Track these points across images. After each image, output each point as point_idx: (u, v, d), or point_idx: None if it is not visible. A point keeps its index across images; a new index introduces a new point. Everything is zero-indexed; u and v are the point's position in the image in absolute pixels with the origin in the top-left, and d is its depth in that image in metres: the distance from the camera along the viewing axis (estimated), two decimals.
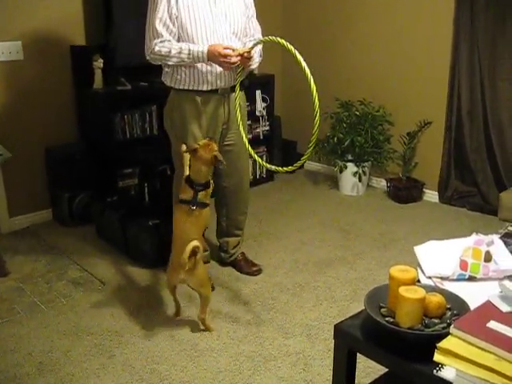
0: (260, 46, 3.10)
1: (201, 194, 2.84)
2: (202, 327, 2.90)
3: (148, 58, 2.98)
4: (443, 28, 4.34)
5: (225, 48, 2.82)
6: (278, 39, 2.65)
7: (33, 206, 4.24)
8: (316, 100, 2.51)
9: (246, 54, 2.87)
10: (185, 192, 2.85)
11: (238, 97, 3.07)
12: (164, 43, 2.89)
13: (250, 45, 2.94)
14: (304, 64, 2.53)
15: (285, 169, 2.77)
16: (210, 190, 2.95)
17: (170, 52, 2.88)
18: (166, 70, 3.05)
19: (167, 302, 3.16)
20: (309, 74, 2.51)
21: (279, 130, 5.47)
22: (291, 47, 2.58)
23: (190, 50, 2.87)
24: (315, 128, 2.55)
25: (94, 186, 4.22)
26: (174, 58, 2.90)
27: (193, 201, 2.82)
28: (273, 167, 2.84)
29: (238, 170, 3.31)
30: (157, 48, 2.89)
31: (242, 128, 2.94)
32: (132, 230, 3.66)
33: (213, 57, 2.85)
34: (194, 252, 2.67)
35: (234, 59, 2.83)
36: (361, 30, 4.91)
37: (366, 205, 4.67)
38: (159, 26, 2.88)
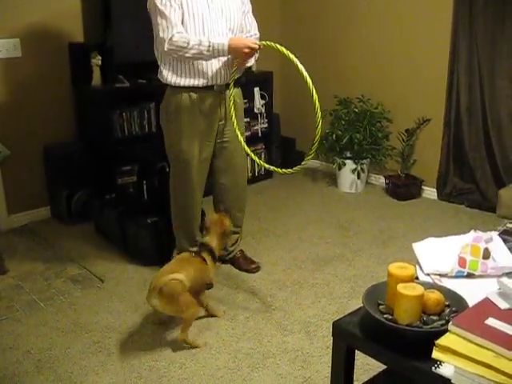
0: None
1: (205, 254, 2.92)
2: (187, 346, 2.75)
3: (166, 48, 2.87)
4: (442, 25, 4.33)
5: (250, 41, 2.85)
6: (278, 46, 2.68)
7: (31, 204, 4.24)
8: (318, 111, 2.55)
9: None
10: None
11: (232, 94, 3.05)
12: (181, 34, 2.85)
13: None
14: (306, 74, 2.55)
15: (283, 170, 2.79)
16: (215, 262, 2.99)
17: (188, 43, 2.83)
18: (163, 67, 3.04)
19: None
20: (311, 85, 2.53)
21: (278, 128, 5.46)
22: (292, 56, 2.62)
23: (210, 41, 2.83)
24: (316, 138, 2.60)
25: (93, 183, 4.22)
26: (193, 50, 2.84)
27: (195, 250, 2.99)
28: (271, 167, 2.86)
29: (235, 167, 3.31)
30: (175, 38, 2.83)
31: (236, 126, 2.93)
32: (131, 227, 3.66)
33: (234, 51, 2.84)
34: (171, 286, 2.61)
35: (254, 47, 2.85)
36: (360, 28, 4.90)
37: (364, 202, 4.67)
38: (173, 18, 2.84)
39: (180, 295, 2.61)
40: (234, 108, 3.19)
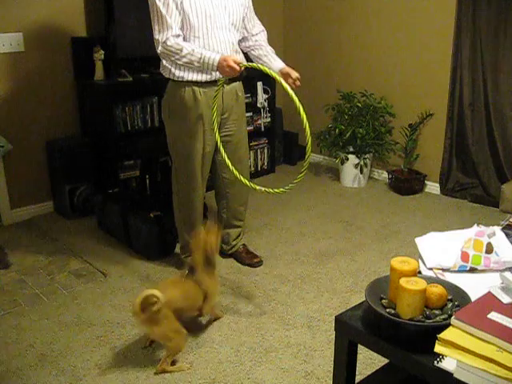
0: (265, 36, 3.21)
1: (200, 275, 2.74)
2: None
3: (159, 50, 2.91)
4: (445, 20, 4.32)
5: (234, 61, 2.79)
6: (260, 66, 2.70)
7: (34, 198, 4.24)
8: (309, 142, 2.58)
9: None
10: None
11: (220, 93, 2.98)
12: (177, 39, 2.86)
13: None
14: (296, 99, 2.57)
15: (275, 190, 2.77)
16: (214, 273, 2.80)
17: (181, 50, 2.84)
18: (165, 61, 3.04)
19: None
20: (304, 117, 2.55)
21: (280, 122, 5.47)
22: (286, 85, 2.62)
23: (202, 54, 2.84)
24: (306, 160, 2.66)
25: (95, 178, 4.23)
26: (184, 58, 2.86)
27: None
28: (257, 187, 2.78)
29: (238, 161, 3.30)
30: (169, 42, 2.85)
31: (218, 136, 2.92)
32: (133, 221, 3.66)
33: (222, 67, 2.82)
34: (150, 302, 2.40)
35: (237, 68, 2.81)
36: (363, 22, 4.89)
37: (367, 197, 4.67)
38: (169, 19, 2.84)
39: (157, 314, 2.41)
40: (236, 101, 3.20)
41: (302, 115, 2.53)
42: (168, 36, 2.85)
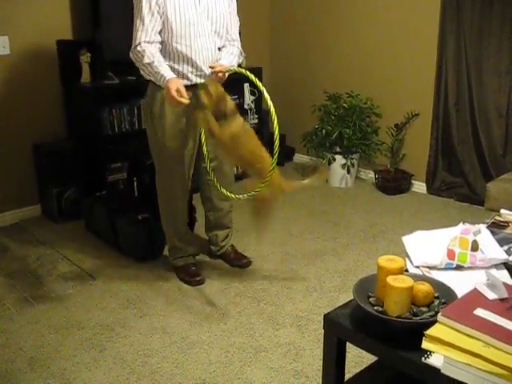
0: (239, 46, 3.21)
1: None
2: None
3: (130, 54, 2.95)
4: (430, 20, 4.36)
5: (177, 90, 2.77)
6: (245, 72, 2.79)
7: (21, 202, 4.22)
8: (277, 143, 2.67)
9: (220, 75, 2.94)
10: None
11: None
12: (146, 46, 2.87)
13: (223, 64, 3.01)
14: (269, 101, 2.68)
15: (237, 196, 2.96)
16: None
17: (143, 58, 2.87)
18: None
19: (157, 295, 3.18)
20: (273, 114, 2.65)
21: (268, 123, 5.47)
22: (256, 79, 2.78)
23: (158, 69, 2.85)
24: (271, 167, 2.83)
25: (83, 180, 4.22)
26: (144, 68, 2.90)
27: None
28: (240, 197, 2.98)
29: (222, 164, 3.30)
30: (138, 48, 2.87)
31: (204, 141, 3.00)
32: (121, 224, 3.66)
33: (167, 89, 2.82)
34: None
35: (180, 100, 2.78)
36: (349, 23, 4.92)
37: (354, 196, 4.69)
38: (148, 24, 2.85)
39: None
40: None
41: (269, 105, 2.75)
42: (140, 41, 2.87)
